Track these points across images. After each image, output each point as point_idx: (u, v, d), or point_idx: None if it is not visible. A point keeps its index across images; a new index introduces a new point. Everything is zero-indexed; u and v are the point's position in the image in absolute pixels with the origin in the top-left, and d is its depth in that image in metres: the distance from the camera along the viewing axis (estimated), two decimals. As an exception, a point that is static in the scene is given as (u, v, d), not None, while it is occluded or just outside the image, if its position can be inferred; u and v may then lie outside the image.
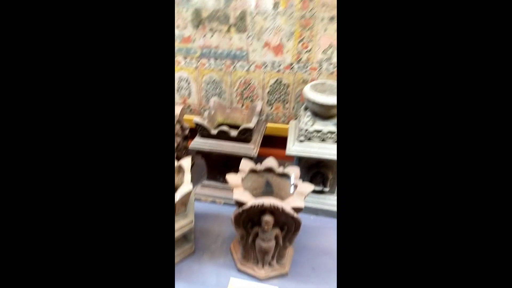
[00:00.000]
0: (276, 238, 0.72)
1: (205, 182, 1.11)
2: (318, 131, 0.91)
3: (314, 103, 0.88)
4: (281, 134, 1.22)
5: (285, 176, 0.82)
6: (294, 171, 0.82)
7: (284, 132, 1.13)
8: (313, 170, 0.93)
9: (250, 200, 0.69)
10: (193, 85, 1.25)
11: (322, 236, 0.87)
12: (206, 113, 1.03)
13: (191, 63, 1.21)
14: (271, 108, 1.24)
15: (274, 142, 1.21)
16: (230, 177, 0.78)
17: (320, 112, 0.90)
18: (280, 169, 0.82)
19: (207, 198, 1.09)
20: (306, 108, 0.98)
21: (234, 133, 0.92)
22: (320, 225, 0.92)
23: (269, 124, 1.20)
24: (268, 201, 0.68)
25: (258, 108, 1.06)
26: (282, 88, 1.19)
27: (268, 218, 0.70)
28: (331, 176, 0.94)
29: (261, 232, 0.74)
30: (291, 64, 1.10)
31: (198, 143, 0.98)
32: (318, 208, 0.97)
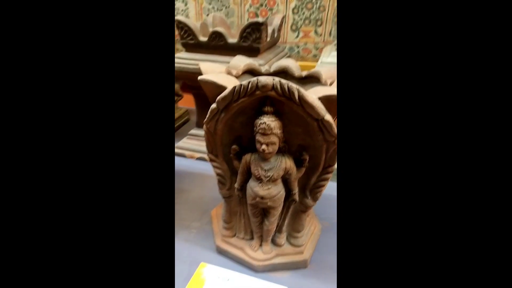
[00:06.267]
0: (286, 177, 0.39)
1: (193, 131, 0.75)
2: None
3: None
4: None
5: (312, 81, 0.45)
6: (328, 71, 0.44)
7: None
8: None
9: (232, 83, 0.33)
10: (192, 4, 0.91)
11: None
12: (199, 25, 0.68)
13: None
14: (297, 35, 0.86)
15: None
16: (205, 66, 0.42)
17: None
18: (302, 72, 0.45)
19: (193, 154, 0.72)
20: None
21: (233, 39, 0.58)
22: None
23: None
24: (268, 79, 0.31)
25: (277, 21, 0.72)
26: None
27: (268, 121, 0.33)
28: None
29: (257, 161, 0.36)
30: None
31: (182, 60, 0.65)
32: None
